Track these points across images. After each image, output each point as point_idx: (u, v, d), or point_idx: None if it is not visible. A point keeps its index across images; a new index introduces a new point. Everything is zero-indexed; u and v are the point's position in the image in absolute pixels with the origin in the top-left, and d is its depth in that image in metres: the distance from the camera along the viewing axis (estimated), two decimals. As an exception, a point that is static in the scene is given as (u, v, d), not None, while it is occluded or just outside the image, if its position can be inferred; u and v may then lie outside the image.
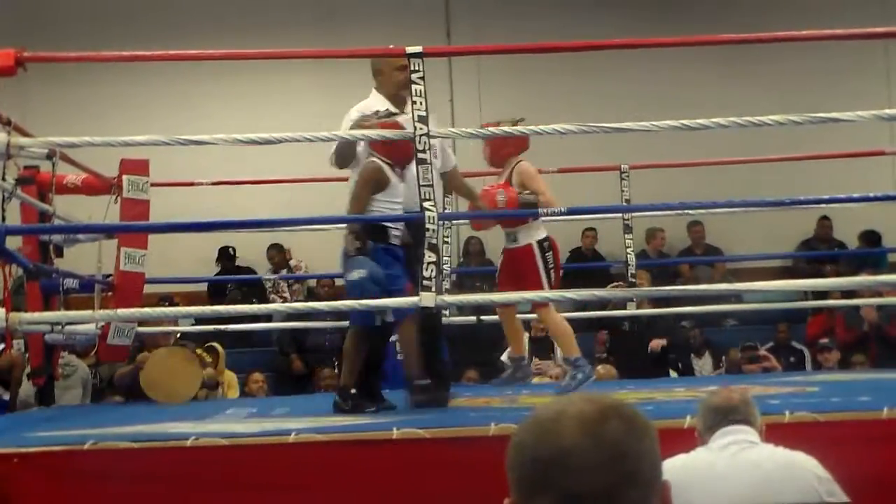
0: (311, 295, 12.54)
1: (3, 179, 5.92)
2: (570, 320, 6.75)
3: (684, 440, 4.03)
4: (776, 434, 4.01)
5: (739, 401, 4.00)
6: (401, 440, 4.86)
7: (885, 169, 12.55)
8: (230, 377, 10.54)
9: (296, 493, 4.68)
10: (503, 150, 6.68)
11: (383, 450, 4.85)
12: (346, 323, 6.70)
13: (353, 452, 4.84)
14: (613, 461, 1.57)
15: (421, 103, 5.53)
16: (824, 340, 11.03)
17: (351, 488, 4.76)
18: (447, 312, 8.43)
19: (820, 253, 13.13)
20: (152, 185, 7.83)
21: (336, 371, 11.32)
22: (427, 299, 5.60)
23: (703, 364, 11.39)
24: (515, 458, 1.62)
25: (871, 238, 13.07)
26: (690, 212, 10.72)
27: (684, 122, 5.99)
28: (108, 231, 7.67)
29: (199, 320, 9.25)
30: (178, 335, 9.40)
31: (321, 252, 12.38)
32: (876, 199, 8.89)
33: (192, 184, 9.55)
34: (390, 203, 6.02)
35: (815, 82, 13.25)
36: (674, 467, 3.79)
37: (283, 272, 12.89)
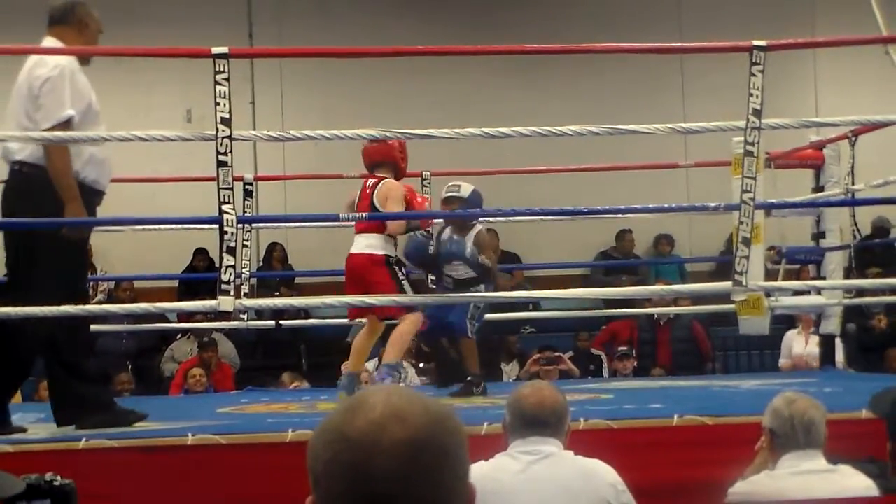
0: (111, 297, 12.25)
1: None
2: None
3: (480, 447, 4.05)
4: (572, 440, 4.05)
5: (550, 411, 3.95)
6: (196, 446, 4.79)
7: (679, 181, 12.88)
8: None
9: (85, 501, 4.54)
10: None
11: (178, 456, 4.76)
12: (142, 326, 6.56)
13: (146, 458, 4.74)
14: (426, 490, 1.58)
15: (224, 105, 5.43)
16: (623, 348, 11.25)
17: (144, 495, 4.66)
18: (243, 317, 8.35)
19: (616, 262, 13.39)
20: None
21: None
22: (225, 303, 5.51)
23: (511, 369, 11.53)
24: (323, 474, 1.60)
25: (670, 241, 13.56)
26: (491, 219, 10.83)
27: (486, 130, 6.02)
28: None
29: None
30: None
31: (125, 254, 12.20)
32: (670, 209, 9.11)
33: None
34: None
35: (613, 95, 13.53)
36: (473, 478, 3.78)
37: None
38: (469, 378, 7.30)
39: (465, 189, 7.36)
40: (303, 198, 12.31)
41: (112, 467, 4.67)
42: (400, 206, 6.74)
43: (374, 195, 6.78)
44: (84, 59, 5.57)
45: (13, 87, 5.48)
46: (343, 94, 13.40)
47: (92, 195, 5.51)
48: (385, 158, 6.93)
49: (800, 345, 10.51)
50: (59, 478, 2.78)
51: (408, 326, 6.80)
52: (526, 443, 3.92)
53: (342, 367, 8.83)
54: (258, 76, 13.53)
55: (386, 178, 6.88)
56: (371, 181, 6.90)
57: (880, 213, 12.78)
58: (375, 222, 6.73)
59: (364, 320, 7.06)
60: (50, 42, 5.57)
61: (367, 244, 6.73)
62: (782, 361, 10.84)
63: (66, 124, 5.34)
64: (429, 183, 8.45)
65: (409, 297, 6.74)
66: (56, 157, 5.30)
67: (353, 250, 6.80)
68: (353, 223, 6.82)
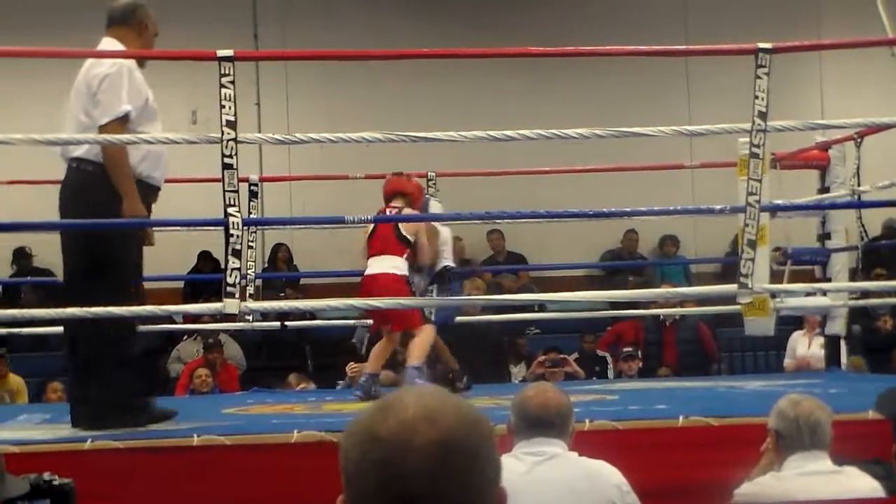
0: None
1: None
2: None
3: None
4: (577, 441, 4.05)
5: (554, 412, 3.94)
6: (201, 447, 4.79)
7: (684, 183, 12.87)
8: (18, 382, 10.21)
9: (91, 502, 4.55)
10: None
11: (183, 457, 4.76)
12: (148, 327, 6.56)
13: (152, 459, 4.74)
14: (455, 491, 1.59)
15: (230, 107, 5.43)
16: (628, 349, 11.24)
17: (150, 496, 4.66)
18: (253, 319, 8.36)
19: (621, 263, 13.40)
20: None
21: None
22: (231, 306, 5.51)
23: (519, 370, 11.52)
24: (354, 474, 1.60)
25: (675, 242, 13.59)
26: (497, 221, 10.85)
27: (491, 132, 6.02)
28: None
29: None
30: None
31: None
32: (676, 211, 9.10)
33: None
34: None
35: (618, 98, 13.53)
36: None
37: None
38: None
39: None
40: (308, 199, 12.32)
41: (118, 468, 4.67)
42: (424, 238, 7.14)
43: (399, 223, 7.07)
44: (141, 62, 5.60)
45: (69, 87, 5.52)
46: (348, 96, 13.41)
47: (147, 191, 5.55)
48: (405, 189, 7.26)
49: (803, 346, 10.51)
50: (57, 477, 2.79)
51: (426, 335, 7.01)
52: (531, 444, 3.92)
53: (347, 368, 8.87)
54: (263, 78, 13.54)
55: (402, 207, 7.18)
56: (390, 211, 7.19)
57: (891, 215, 12.77)
58: (400, 247, 7.02)
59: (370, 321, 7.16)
60: (108, 42, 5.60)
61: (394, 266, 6.99)
62: (787, 362, 10.84)
63: (123, 120, 5.37)
64: (434, 184, 8.45)
65: (412, 300, 6.79)
66: (112, 151, 5.32)
67: (378, 270, 7.00)
68: (369, 243, 7.11)
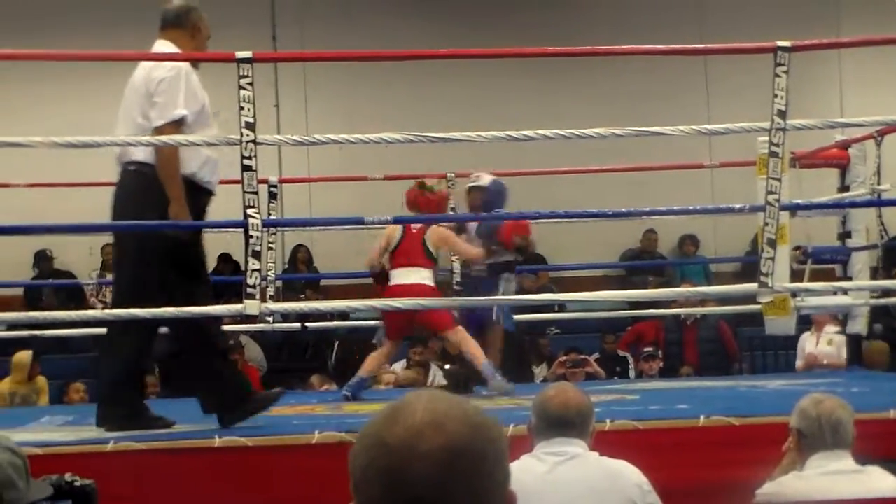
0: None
1: None
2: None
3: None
4: (598, 441, 4.05)
5: (575, 412, 3.93)
6: (223, 448, 4.80)
7: (704, 182, 12.85)
8: (42, 383, 10.25)
9: (114, 503, 4.57)
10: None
11: (205, 458, 4.78)
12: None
13: (173, 461, 4.76)
14: (463, 496, 1.59)
15: (249, 109, 5.45)
16: (649, 349, 11.22)
17: (171, 497, 4.68)
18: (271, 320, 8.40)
19: (641, 263, 13.39)
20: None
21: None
22: (251, 307, 5.51)
23: (540, 371, 11.51)
24: (361, 479, 1.61)
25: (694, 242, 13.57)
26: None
27: (510, 132, 6.02)
28: None
29: (14, 325, 8.98)
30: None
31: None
32: (695, 211, 9.09)
33: (5, 185, 9.25)
34: None
35: (637, 97, 13.51)
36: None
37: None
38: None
39: (485, 178, 7.84)
40: (327, 200, 12.33)
41: (139, 469, 4.68)
42: (459, 244, 7.46)
43: (427, 238, 7.30)
44: (195, 64, 5.62)
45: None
46: (366, 97, 13.42)
47: (204, 195, 5.58)
48: (421, 209, 7.49)
49: (811, 344, 10.48)
50: (79, 478, 2.80)
51: (463, 337, 7.20)
52: (551, 444, 3.92)
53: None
54: (282, 80, 13.55)
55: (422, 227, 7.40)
56: (416, 225, 7.41)
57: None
58: (428, 261, 7.30)
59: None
60: (162, 45, 5.63)
61: (424, 277, 7.25)
62: (798, 363, 10.82)
63: (178, 123, 5.39)
64: (453, 184, 8.46)
65: (432, 301, 6.83)
66: (167, 153, 5.34)
67: (409, 281, 7.21)
68: (394, 254, 7.37)
